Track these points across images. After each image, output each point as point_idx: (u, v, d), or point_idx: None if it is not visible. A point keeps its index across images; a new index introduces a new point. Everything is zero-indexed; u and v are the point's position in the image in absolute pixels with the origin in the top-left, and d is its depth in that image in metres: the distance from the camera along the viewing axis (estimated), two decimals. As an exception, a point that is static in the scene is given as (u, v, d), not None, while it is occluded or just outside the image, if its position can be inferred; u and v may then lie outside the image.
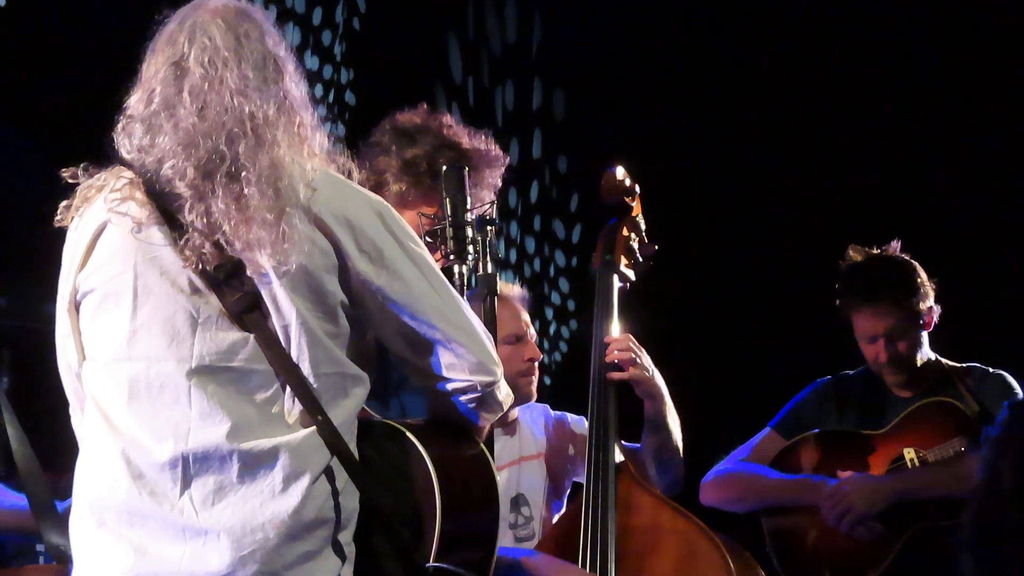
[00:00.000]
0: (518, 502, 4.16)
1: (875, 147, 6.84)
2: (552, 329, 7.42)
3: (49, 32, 6.16)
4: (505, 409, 3.09)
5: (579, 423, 4.26)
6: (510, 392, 3.08)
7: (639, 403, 4.05)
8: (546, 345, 7.33)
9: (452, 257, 3.27)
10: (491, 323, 3.32)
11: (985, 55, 6.64)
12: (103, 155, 2.98)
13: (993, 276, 6.43)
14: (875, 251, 4.72)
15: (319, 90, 6.81)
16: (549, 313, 7.44)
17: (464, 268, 3.27)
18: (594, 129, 7.14)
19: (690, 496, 4.47)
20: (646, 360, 3.99)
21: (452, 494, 2.95)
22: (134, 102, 2.96)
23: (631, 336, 4.01)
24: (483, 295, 3.37)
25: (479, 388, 3.00)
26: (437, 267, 3.02)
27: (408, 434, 2.99)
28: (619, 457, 3.94)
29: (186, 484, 2.83)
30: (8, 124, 5.88)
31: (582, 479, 4.08)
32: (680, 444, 4.08)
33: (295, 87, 2.97)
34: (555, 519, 4.19)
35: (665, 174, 6.26)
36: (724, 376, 6.73)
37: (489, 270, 3.34)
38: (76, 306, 2.98)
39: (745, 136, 6.99)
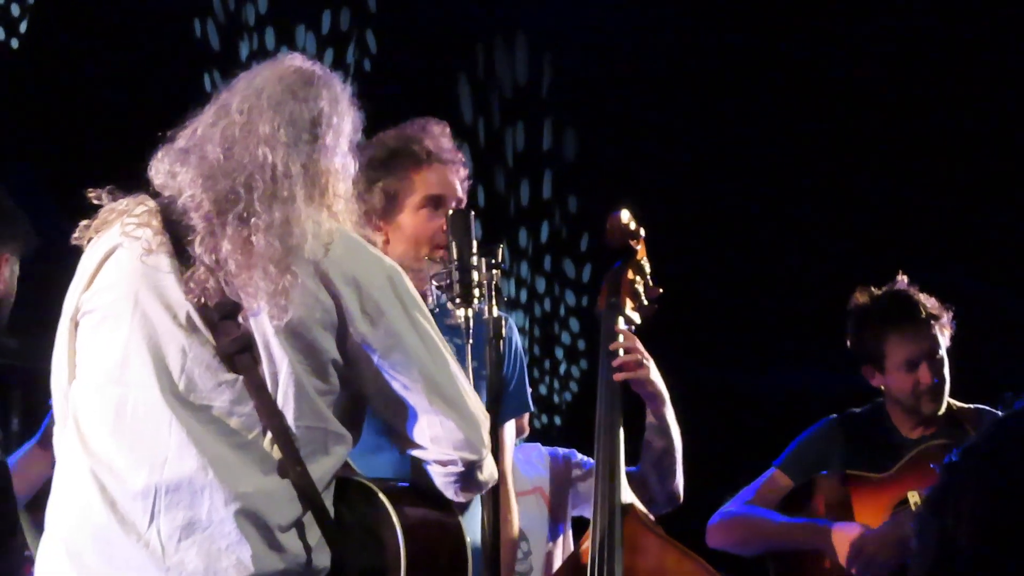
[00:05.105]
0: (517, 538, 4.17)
1: (877, 191, 6.87)
2: (563, 369, 7.42)
3: (63, 73, 6.20)
4: (485, 489, 3.09)
5: (584, 462, 4.28)
6: (494, 472, 3.06)
7: (638, 430, 4.07)
8: (556, 385, 7.33)
9: (458, 301, 3.28)
10: (497, 366, 3.32)
11: (973, 80, 6.68)
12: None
13: (990, 311, 6.44)
14: (883, 289, 4.71)
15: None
16: (559, 353, 7.44)
17: (470, 312, 3.27)
18: (604, 170, 7.16)
19: (697, 537, 4.47)
20: (651, 363, 4.00)
21: (418, 559, 2.93)
22: (180, 135, 3.02)
23: (635, 338, 4.03)
24: (489, 338, 3.37)
25: (460, 464, 2.99)
26: (441, 340, 3.02)
27: (380, 495, 2.98)
28: (627, 498, 3.94)
29: (155, 516, 2.83)
30: (22, 164, 5.91)
31: (585, 513, 4.09)
32: (680, 454, 4.08)
33: (338, 157, 3.01)
34: (557, 554, 4.21)
35: (675, 216, 6.29)
36: (732, 416, 6.73)
37: (495, 314, 3.35)
38: (76, 325, 3.00)
39: (753, 181, 7.02)
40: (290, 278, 2.85)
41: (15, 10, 6.10)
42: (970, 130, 6.74)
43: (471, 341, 3.27)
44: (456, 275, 3.26)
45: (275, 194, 2.90)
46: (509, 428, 3.92)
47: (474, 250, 3.29)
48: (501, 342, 3.36)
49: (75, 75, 6.18)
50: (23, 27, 6.12)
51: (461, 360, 3.72)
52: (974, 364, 4.80)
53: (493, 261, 3.32)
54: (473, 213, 3.38)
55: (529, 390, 4.00)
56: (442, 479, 3.03)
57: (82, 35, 6.25)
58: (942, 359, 4.59)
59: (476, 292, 3.26)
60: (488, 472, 3.05)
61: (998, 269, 6.63)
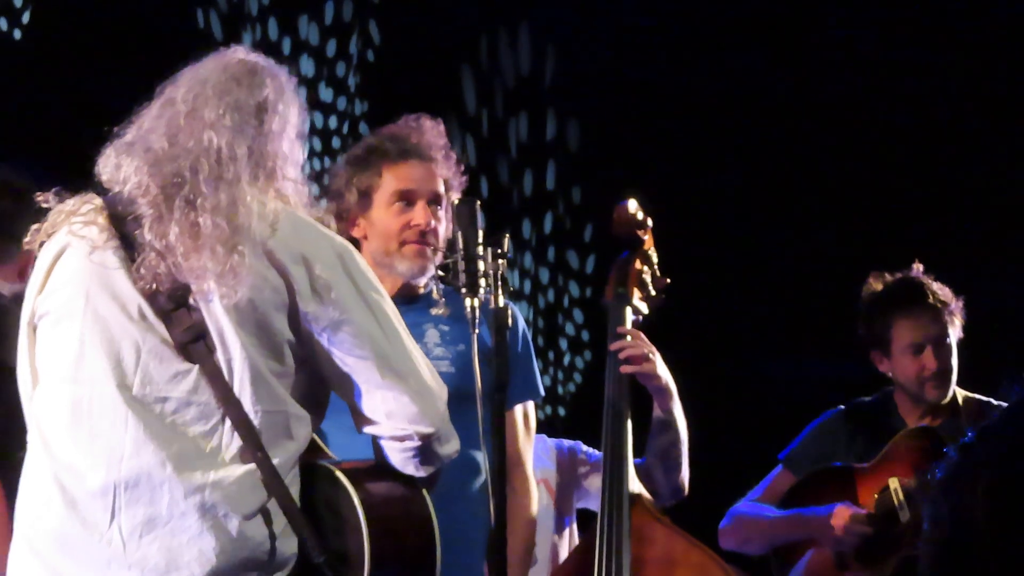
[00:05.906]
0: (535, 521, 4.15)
1: (890, 178, 6.86)
2: (567, 360, 7.41)
3: (65, 65, 6.19)
4: (445, 463, 3.06)
5: (590, 454, 4.29)
6: (455, 445, 3.04)
7: (643, 421, 4.06)
8: (560, 376, 7.32)
9: (464, 291, 3.27)
10: (503, 357, 3.30)
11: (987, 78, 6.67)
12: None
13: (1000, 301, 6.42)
14: (897, 276, 4.70)
15: (333, 122, 6.85)
16: (563, 344, 7.44)
17: (475, 302, 3.26)
18: (608, 160, 7.15)
19: (704, 529, 4.46)
20: (657, 357, 3.99)
21: (382, 537, 2.91)
22: (127, 130, 3.01)
23: (641, 333, 4.01)
24: (494, 328, 3.36)
25: (416, 438, 2.97)
26: (395, 316, 3.00)
27: (339, 475, 2.95)
28: (634, 488, 3.93)
29: (116, 513, 2.82)
30: (24, 157, 5.91)
31: (590, 505, 4.08)
32: (686, 446, 4.06)
33: (284, 142, 3.01)
34: (563, 546, 4.20)
35: (679, 205, 6.27)
36: (740, 408, 6.72)
37: (501, 304, 3.34)
38: (34, 329, 3.00)
39: (760, 169, 7.00)
40: (237, 257, 2.85)
41: (17, 1, 6.10)
42: (981, 125, 6.72)
43: (476, 331, 3.27)
44: (462, 264, 3.26)
45: (220, 176, 2.91)
46: (520, 412, 3.92)
47: (480, 240, 3.28)
48: (507, 332, 3.34)
49: (78, 66, 6.17)
50: (26, 18, 6.12)
51: (449, 345, 3.74)
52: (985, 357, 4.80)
53: (499, 251, 3.31)
54: (479, 203, 3.37)
55: (539, 376, 4.00)
56: (400, 455, 3.00)
57: (85, 26, 6.25)
58: (949, 346, 4.57)
59: (483, 282, 3.26)
60: (449, 446, 3.02)
61: (1007, 264, 6.61)
